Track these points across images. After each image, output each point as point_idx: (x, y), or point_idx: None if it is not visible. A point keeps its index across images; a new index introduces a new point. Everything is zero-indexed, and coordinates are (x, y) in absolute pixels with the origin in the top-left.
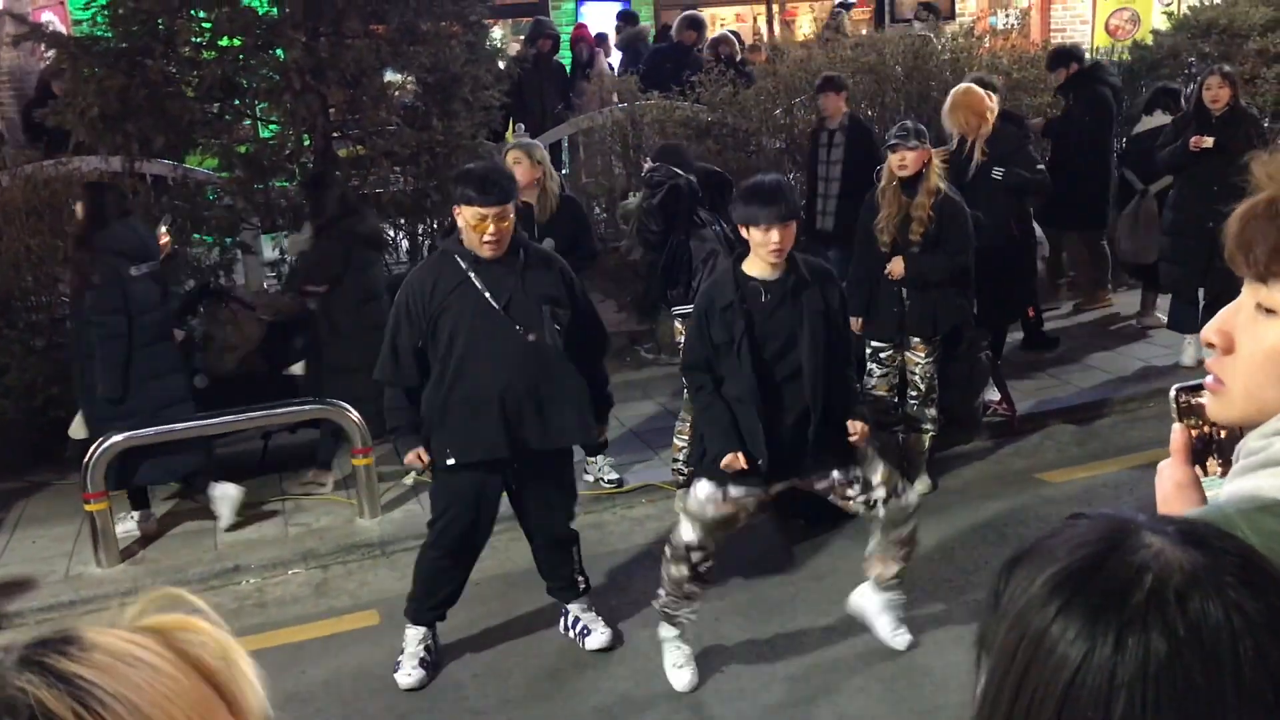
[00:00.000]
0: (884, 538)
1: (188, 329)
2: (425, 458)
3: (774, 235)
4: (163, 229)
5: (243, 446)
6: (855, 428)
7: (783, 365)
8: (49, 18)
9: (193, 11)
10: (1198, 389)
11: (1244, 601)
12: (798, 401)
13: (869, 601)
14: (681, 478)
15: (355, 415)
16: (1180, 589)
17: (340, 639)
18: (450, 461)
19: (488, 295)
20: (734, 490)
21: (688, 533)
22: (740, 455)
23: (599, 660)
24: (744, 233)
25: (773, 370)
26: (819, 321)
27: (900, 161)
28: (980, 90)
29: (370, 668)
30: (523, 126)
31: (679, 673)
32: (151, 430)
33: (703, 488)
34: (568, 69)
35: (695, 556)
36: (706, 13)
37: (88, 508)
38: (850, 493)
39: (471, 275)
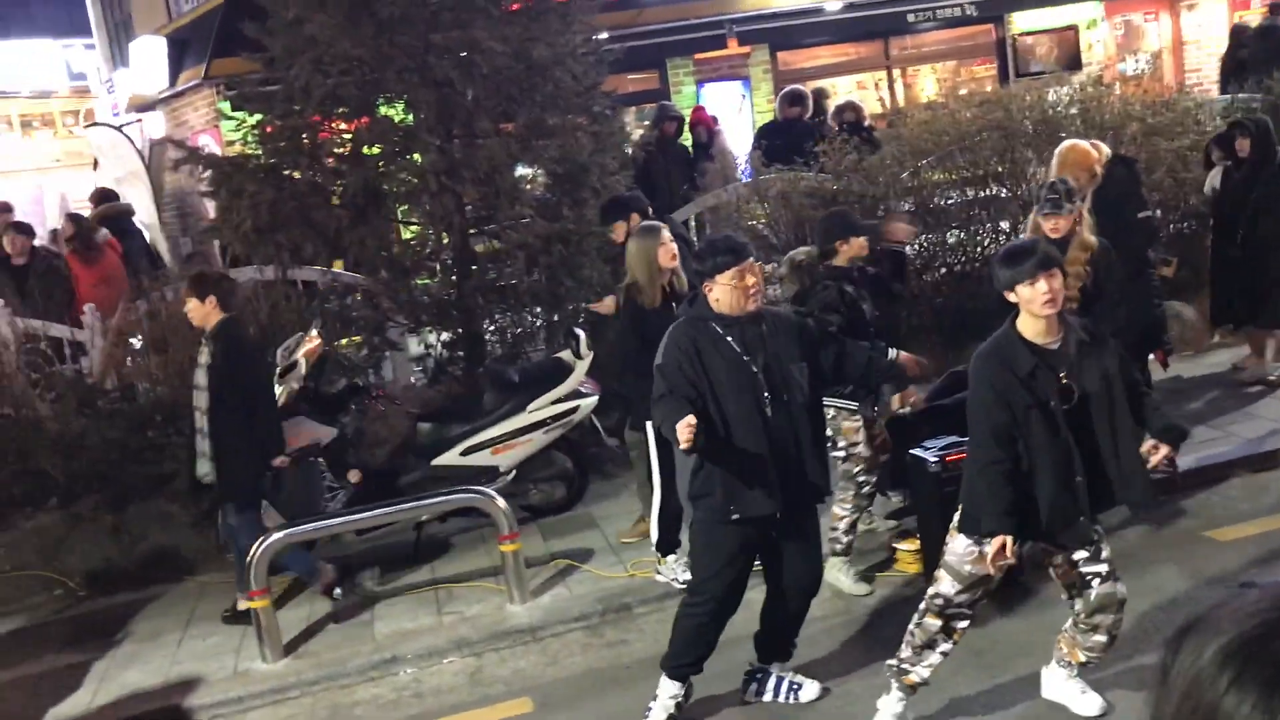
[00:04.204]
0: (1084, 619)
1: (340, 426)
2: (693, 425)
3: (1041, 285)
4: (314, 331)
5: (395, 539)
6: (1159, 447)
7: (1075, 429)
8: (205, 140)
9: (334, 125)
10: None
11: None
12: (1086, 467)
13: (1053, 676)
14: (839, 546)
15: (501, 503)
16: None
17: None
18: (735, 516)
19: (746, 359)
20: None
21: (947, 586)
22: (1009, 542)
23: (811, 713)
24: (1012, 297)
25: (1071, 434)
26: (1102, 379)
27: (1053, 226)
28: (1084, 144)
29: None
30: (650, 209)
31: None
32: (310, 525)
33: (961, 543)
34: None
35: (951, 611)
36: (826, 83)
37: (251, 604)
38: (1079, 555)
39: (730, 340)
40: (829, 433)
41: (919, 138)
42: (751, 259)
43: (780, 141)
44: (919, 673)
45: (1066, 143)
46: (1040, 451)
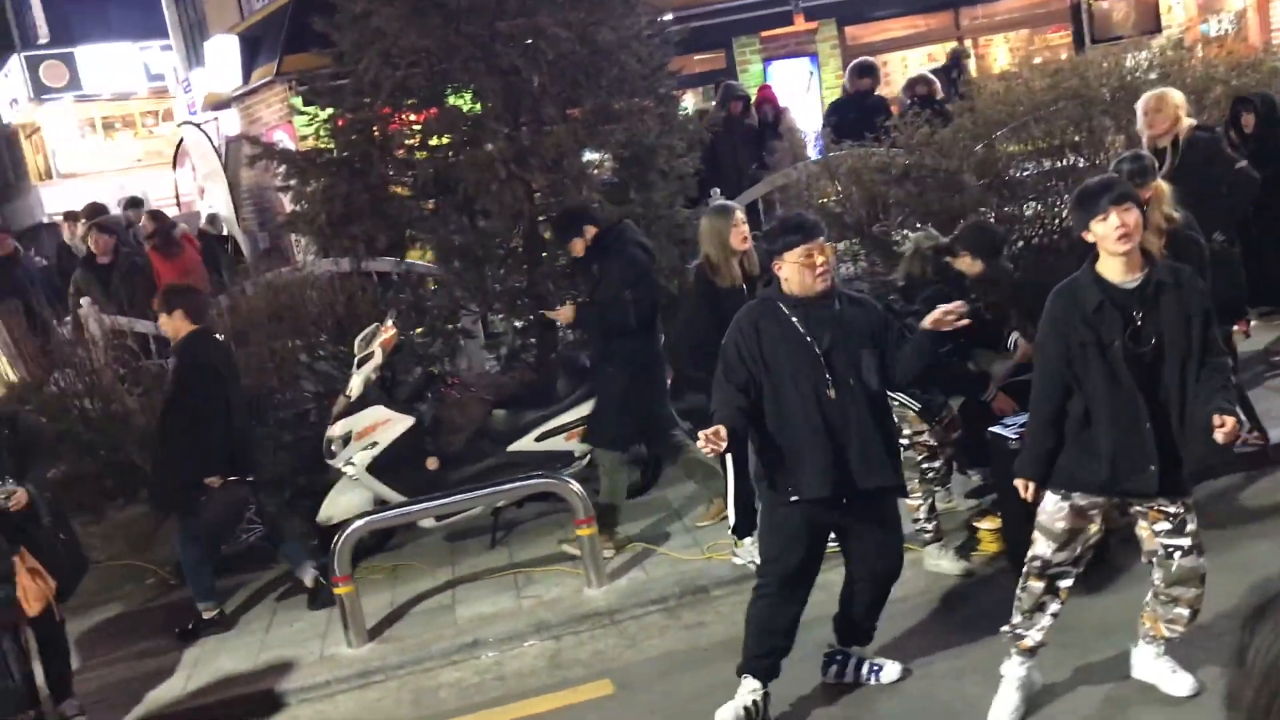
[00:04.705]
0: (1164, 590)
1: (418, 414)
2: (719, 436)
3: (1114, 219)
4: (389, 322)
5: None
6: (1224, 423)
7: (1145, 375)
8: (279, 135)
9: (403, 116)
10: None
11: None
12: (1153, 414)
13: (1142, 656)
14: (927, 534)
15: (577, 487)
16: None
17: (577, 709)
18: (793, 499)
19: (810, 339)
20: (1080, 501)
21: (1042, 547)
22: (1032, 486)
23: (895, 694)
24: (1090, 237)
25: (1136, 380)
26: (1181, 327)
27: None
28: (1173, 91)
29: None
30: (718, 190)
31: (1003, 705)
32: (391, 513)
33: (1050, 500)
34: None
35: (1052, 572)
36: (896, 56)
37: (336, 591)
38: (1161, 526)
39: (794, 320)
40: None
41: (992, 109)
42: (821, 238)
43: (851, 116)
44: (1033, 636)
45: (1153, 91)
46: (1099, 395)
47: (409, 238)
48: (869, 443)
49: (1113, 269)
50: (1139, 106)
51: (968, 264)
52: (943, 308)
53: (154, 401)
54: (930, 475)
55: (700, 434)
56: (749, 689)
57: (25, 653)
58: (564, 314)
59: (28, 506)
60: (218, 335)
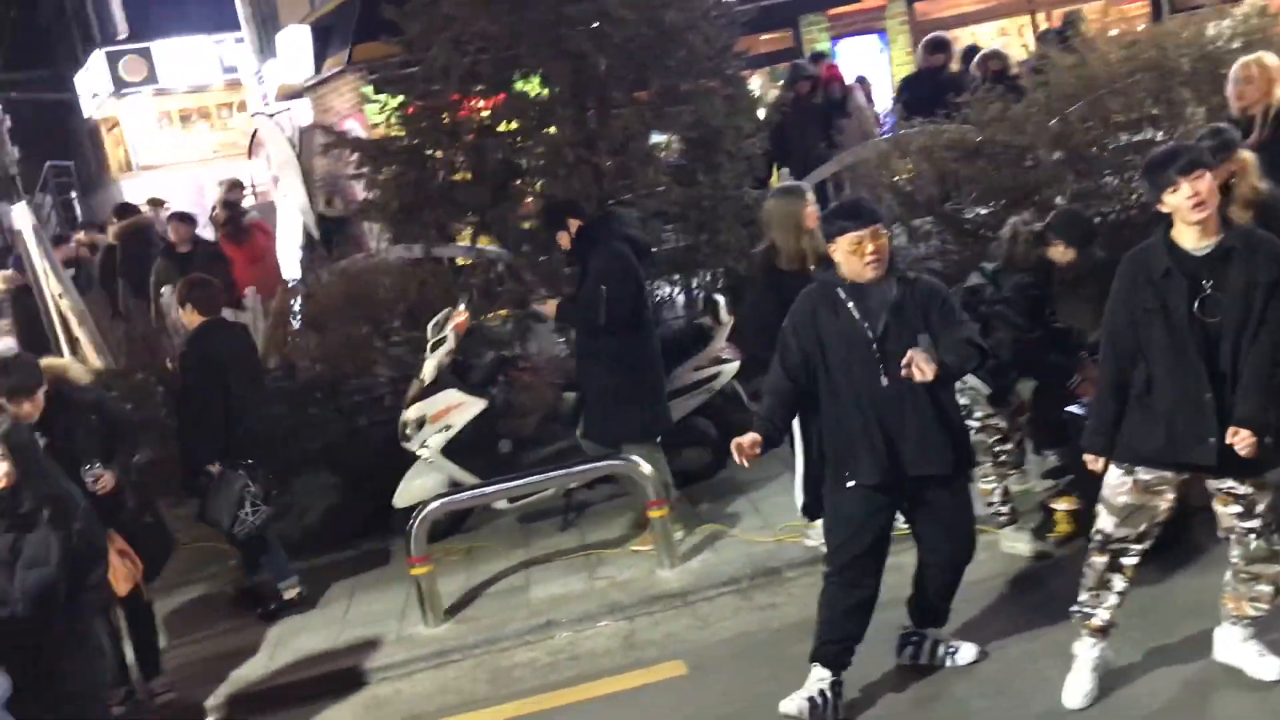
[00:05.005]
0: (1243, 568)
1: (490, 397)
2: (751, 444)
3: (1185, 189)
4: (461, 307)
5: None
6: (1239, 435)
7: (1211, 344)
8: (350, 125)
9: (471, 103)
10: None
11: None
12: (1215, 385)
13: (1227, 638)
14: (1002, 516)
15: (647, 469)
16: None
17: (652, 689)
18: (850, 484)
19: (865, 324)
20: (1144, 475)
21: (1104, 521)
22: (1100, 462)
23: (970, 676)
24: (1167, 200)
25: (1200, 349)
26: (1244, 294)
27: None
28: (1268, 57)
29: (684, 717)
30: (787, 170)
31: (1076, 684)
32: (465, 495)
33: (1113, 474)
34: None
35: (1114, 548)
36: (967, 31)
37: (413, 572)
38: (1232, 509)
39: (850, 304)
40: (964, 402)
41: (1067, 83)
42: (874, 226)
43: (922, 93)
44: (1100, 616)
45: (1248, 58)
46: (1162, 363)
47: (479, 223)
48: (926, 429)
49: (1186, 236)
50: (1232, 74)
51: (1060, 252)
52: (909, 358)
53: None
54: (1003, 458)
55: (734, 444)
56: (818, 678)
57: (115, 632)
58: (548, 309)
59: (115, 490)
60: (234, 325)
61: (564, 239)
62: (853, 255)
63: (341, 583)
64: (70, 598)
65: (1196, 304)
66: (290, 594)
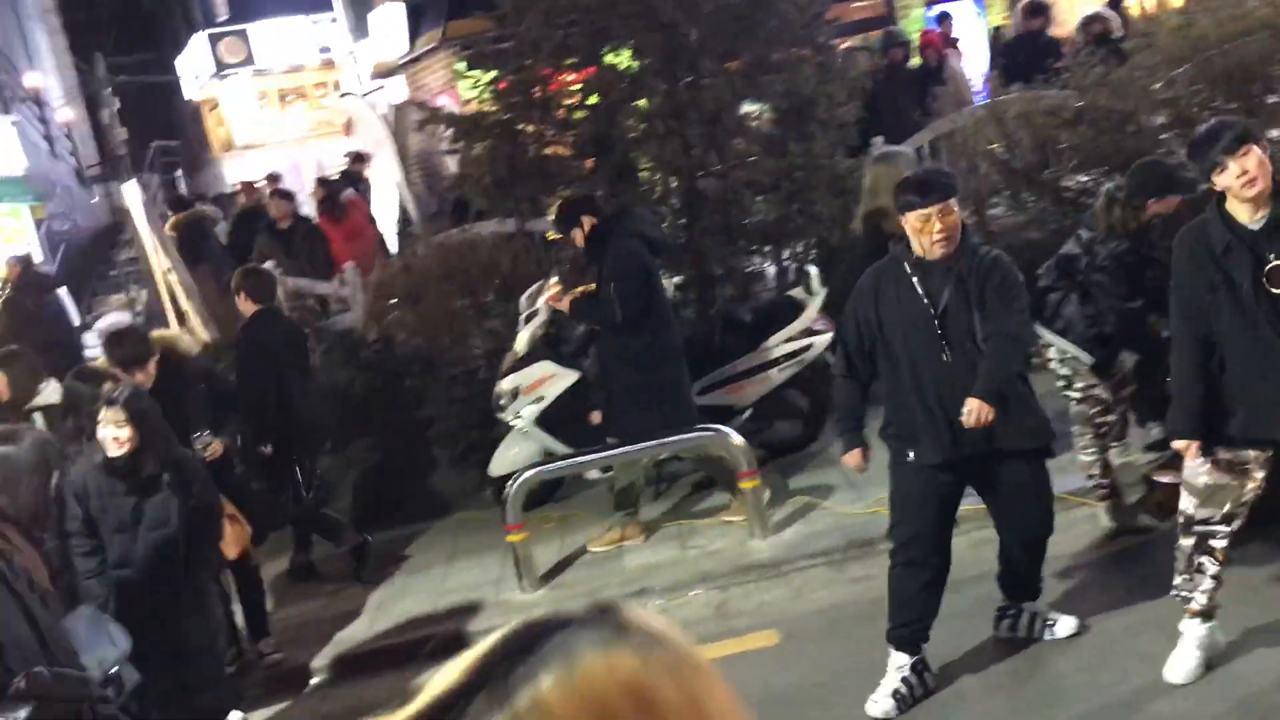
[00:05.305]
0: None
1: (582, 369)
2: (858, 461)
3: (1233, 168)
4: (554, 279)
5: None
6: None
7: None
8: (443, 101)
9: (563, 76)
10: None
11: None
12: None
13: None
14: (1102, 490)
15: (739, 440)
16: None
17: (745, 658)
18: (910, 458)
19: (926, 300)
20: (1224, 454)
21: (1186, 502)
22: (1194, 446)
23: (1068, 649)
24: (1216, 181)
25: (1272, 320)
26: None
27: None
28: None
29: (776, 687)
30: (881, 139)
31: (1180, 661)
32: (558, 465)
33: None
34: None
35: (1199, 529)
36: None
37: (509, 539)
38: None
39: (915, 279)
40: (1065, 372)
41: (1173, 45)
42: (944, 202)
43: (1021, 58)
44: (1198, 600)
45: None
46: (1232, 339)
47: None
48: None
49: (1241, 210)
50: None
51: (1165, 206)
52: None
53: (333, 359)
54: (1104, 429)
55: (844, 461)
56: (896, 665)
57: (225, 594)
58: (563, 305)
59: (223, 456)
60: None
61: (578, 236)
62: (921, 232)
63: (439, 549)
64: (188, 559)
65: (1265, 276)
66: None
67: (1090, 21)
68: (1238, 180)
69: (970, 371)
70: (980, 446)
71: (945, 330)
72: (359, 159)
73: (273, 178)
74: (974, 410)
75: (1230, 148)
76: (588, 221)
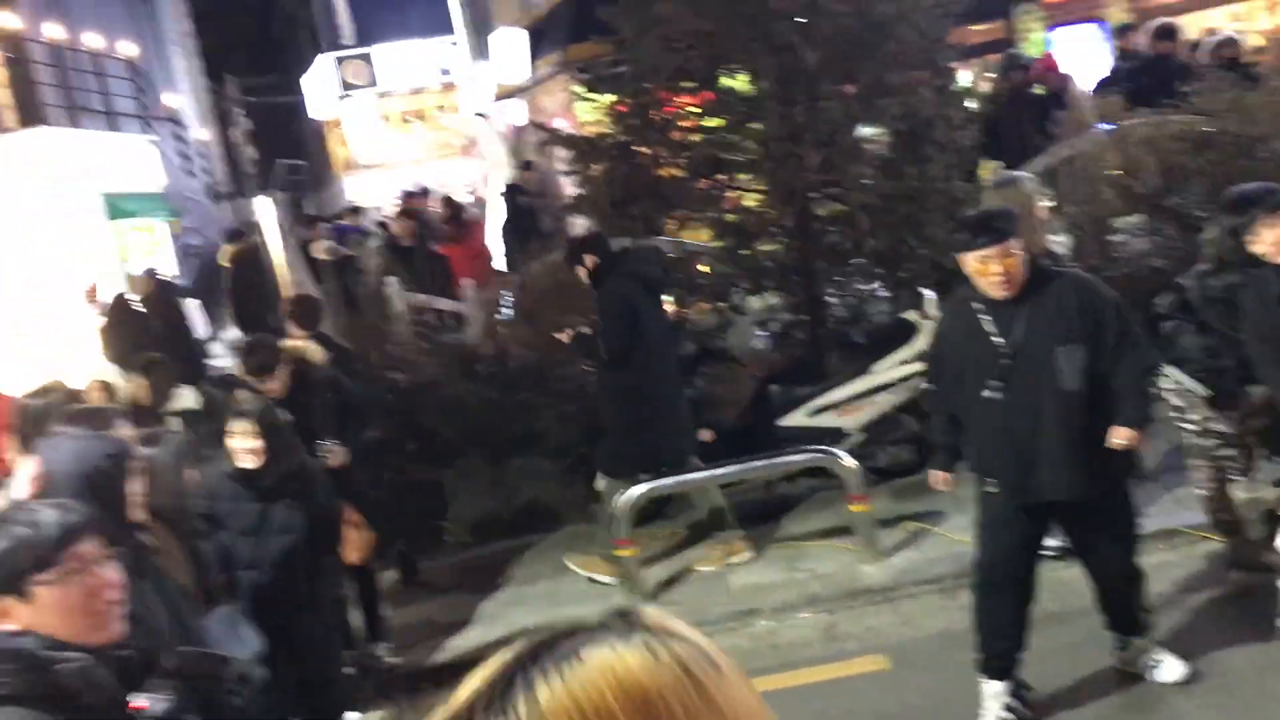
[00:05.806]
0: None
1: (692, 387)
2: (946, 479)
3: (1266, 238)
4: (668, 299)
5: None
6: None
7: None
8: (560, 123)
9: (678, 99)
10: None
11: None
12: None
13: None
14: (1224, 526)
15: (850, 462)
16: None
17: (851, 682)
18: (991, 487)
19: (995, 339)
20: None
21: None
22: None
23: (1190, 685)
24: (1254, 247)
25: None
26: None
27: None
28: None
29: (887, 712)
30: (1000, 164)
31: None
32: (670, 480)
33: None
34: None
35: None
36: (1196, 16)
37: (617, 553)
38: None
39: (983, 319)
40: (1178, 403)
41: None
42: (1002, 244)
43: (1149, 81)
44: None
45: None
46: None
47: (684, 217)
48: (1060, 448)
49: None
50: None
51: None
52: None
53: (453, 373)
54: (1224, 463)
55: (931, 477)
56: (992, 694)
57: (344, 598)
58: (565, 337)
59: (346, 464)
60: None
61: (582, 273)
62: (980, 274)
63: (549, 562)
64: (311, 563)
65: None
66: None
67: (1221, 45)
68: (1274, 248)
69: (1045, 409)
70: (1050, 493)
71: (1016, 367)
72: (527, 166)
73: (418, 194)
74: (1124, 439)
75: (1272, 210)
76: (590, 260)
